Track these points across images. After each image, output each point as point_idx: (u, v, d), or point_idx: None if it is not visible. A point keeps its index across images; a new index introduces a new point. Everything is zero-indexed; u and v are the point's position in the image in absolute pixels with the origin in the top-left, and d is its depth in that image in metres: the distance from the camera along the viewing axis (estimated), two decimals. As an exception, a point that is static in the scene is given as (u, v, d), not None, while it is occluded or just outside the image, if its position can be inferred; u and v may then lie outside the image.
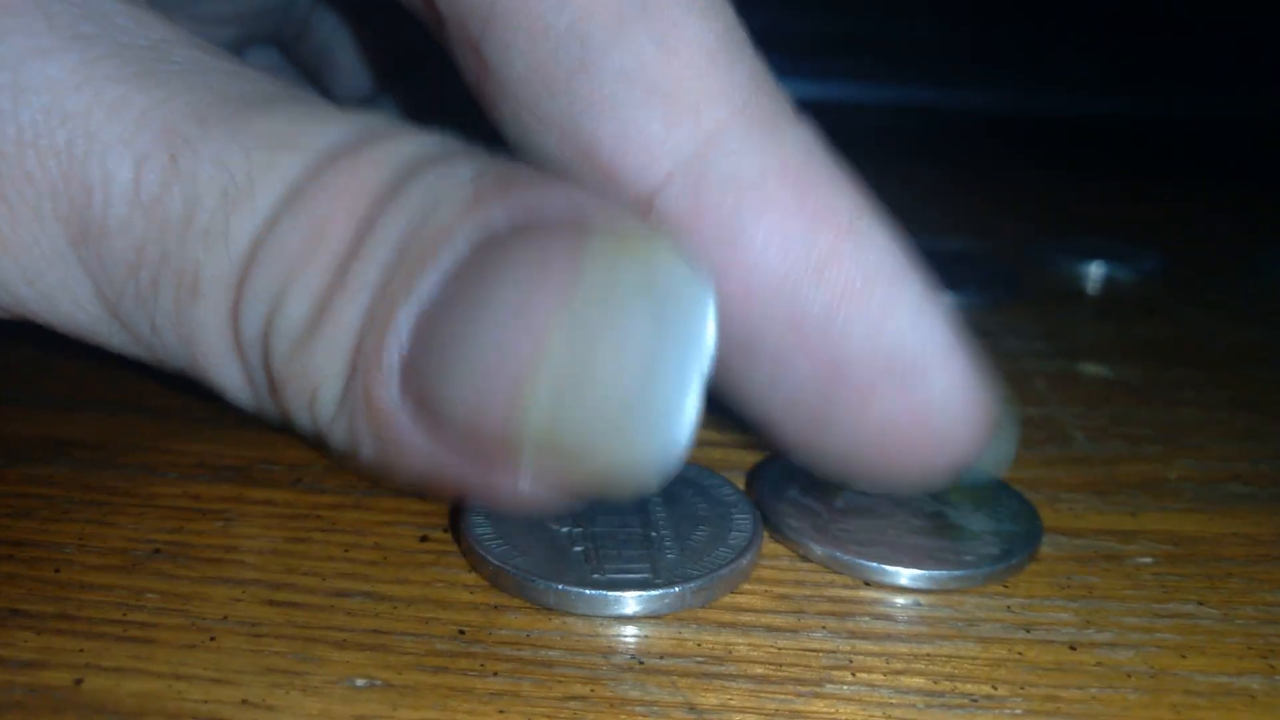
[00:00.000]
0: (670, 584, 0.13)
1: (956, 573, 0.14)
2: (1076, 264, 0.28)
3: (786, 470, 0.16)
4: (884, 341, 0.13)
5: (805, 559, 0.14)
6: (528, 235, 0.11)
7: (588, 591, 0.13)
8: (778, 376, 0.13)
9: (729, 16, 0.13)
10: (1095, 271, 0.28)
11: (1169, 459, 0.18)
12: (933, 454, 0.13)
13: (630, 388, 0.11)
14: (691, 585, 0.13)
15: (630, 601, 0.13)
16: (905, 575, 0.14)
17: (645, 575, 0.13)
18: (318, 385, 0.12)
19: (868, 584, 0.14)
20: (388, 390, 0.11)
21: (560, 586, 0.13)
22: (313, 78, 0.22)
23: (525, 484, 0.12)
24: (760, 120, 0.13)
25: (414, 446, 0.12)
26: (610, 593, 0.13)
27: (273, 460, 0.16)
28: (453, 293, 0.11)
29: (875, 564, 0.14)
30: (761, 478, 0.16)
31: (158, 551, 0.14)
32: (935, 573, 0.14)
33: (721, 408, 0.13)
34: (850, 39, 0.37)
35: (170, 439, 0.17)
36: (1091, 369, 0.22)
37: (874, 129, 0.40)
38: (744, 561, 0.13)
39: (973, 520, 0.15)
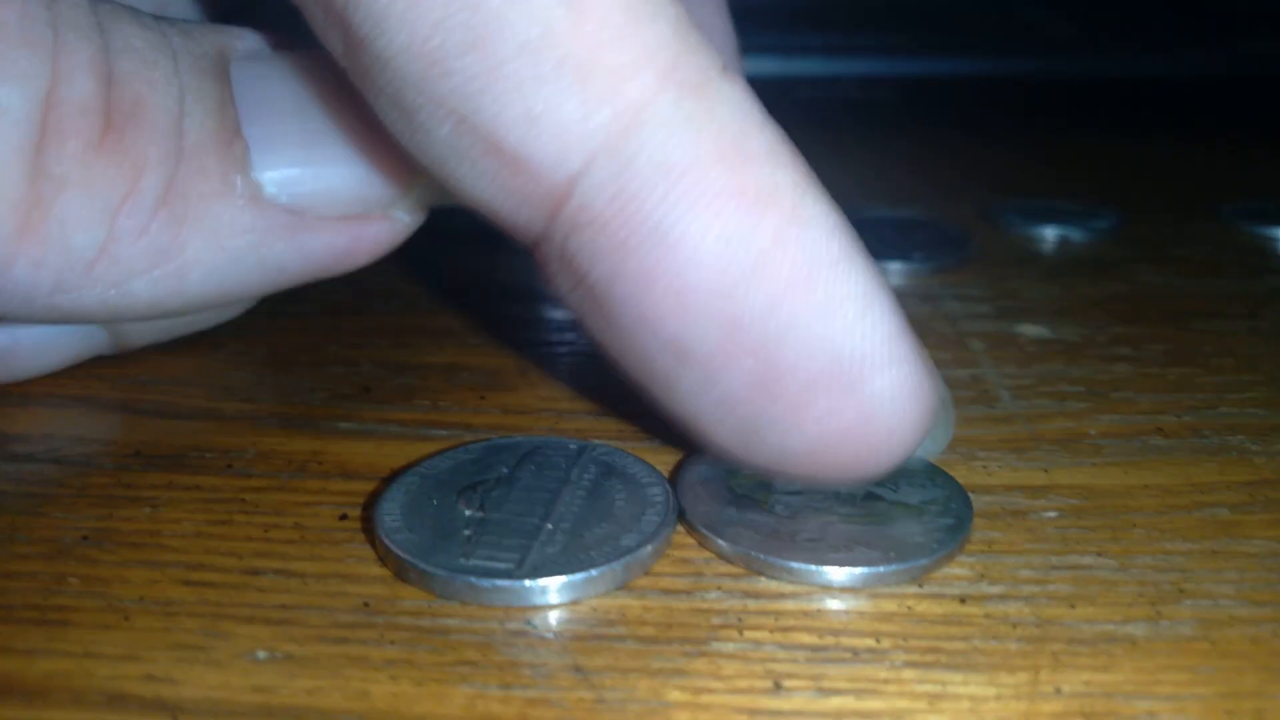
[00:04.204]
0: (525, 578, 0.13)
1: (878, 569, 0.13)
2: (1031, 226, 0.28)
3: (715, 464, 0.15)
4: (826, 340, 0.12)
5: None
6: None
7: (440, 573, 0.13)
8: (710, 379, 0.12)
9: None
10: (1050, 233, 0.28)
11: (1092, 415, 0.18)
12: (872, 454, 0.12)
13: None
14: (551, 582, 0.13)
15: (483, 590, 0.13)
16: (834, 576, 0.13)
17: (509, 566, 0.13)
18: None
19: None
20: None
21: (424, 567, 0.13)
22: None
23: None
24: (690, 86, 0.11)
25: None
26: (461, 577, 0.13)
27: (205, 447, 0.17)
28: None
29: (800, 564, 0.13)
30: (689, 473, 0.15)
31: (85, 538, 0.14)
32: (858, 570, 0.13)
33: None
34: (814, 12, 0.37)
35: (110, 430, 0.17)
36: (1030, 329, 0.22)
37: (839, 102, 0.40)
38: (618, 566, 0.13)
39: (904, 524, 0.14)
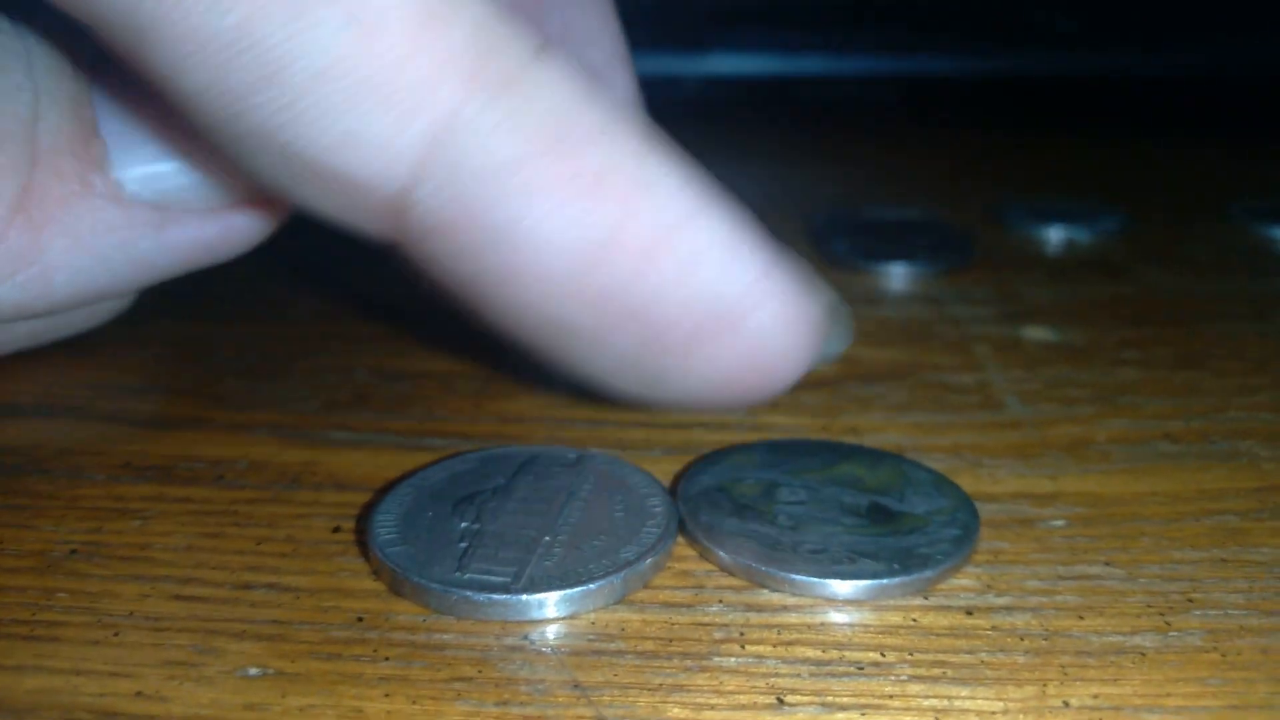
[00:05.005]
0: (522, 592, 0.13)
1: (883, 581, 0.13)
2: (1036, 227, 0.28)
3: (716, 481, 0.15)
4: (696, 293, 0.12)
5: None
6: None
7: (435, 587, 0.13)
8: (597, 346, 0.12)
9: None
10: (1055, 234, 0.27)
11: (1100, 420, 0.18)
12: (767, 380, 0.13)
13: None
14: (548, 596, 0.13)
15: (479, 604, 0.13)
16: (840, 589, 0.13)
17: (506, 579, 0.13)
18: None
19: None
20: None
21: (419, 581, 0.13)
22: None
23: None
24: (498, 83, 0.11)
25: None
26: (457, 591, 0.13)
27: (196, 458, 0.16)
28: None
29: (815, 579, 0.13)
30: (691, 484, 0.15)
31: (74, 552, 0.14)
32: (868, 583, 0.13)
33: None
34: (818, 11, 0.37)
35: (100, 441, 0.17)
36: (1036, 333, 0.21)
37: (841, 101, 0.40)
38: (617, 579, 0.13)
39: (909, 535, 0.14)
